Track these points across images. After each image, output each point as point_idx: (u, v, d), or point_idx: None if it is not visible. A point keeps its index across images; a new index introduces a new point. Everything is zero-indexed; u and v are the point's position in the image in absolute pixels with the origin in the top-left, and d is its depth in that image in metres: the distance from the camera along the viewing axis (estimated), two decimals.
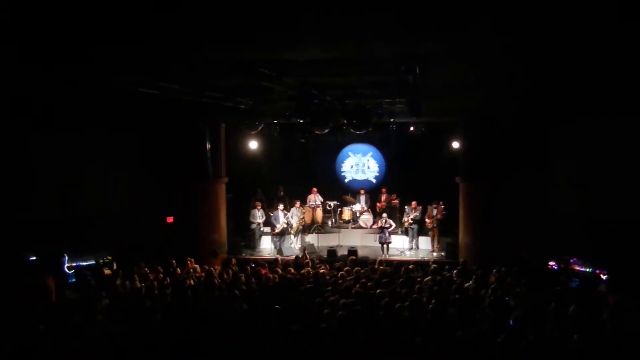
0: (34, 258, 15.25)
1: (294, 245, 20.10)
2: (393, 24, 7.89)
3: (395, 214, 20.98)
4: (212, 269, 15.13)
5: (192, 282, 14.13)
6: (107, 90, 12.20)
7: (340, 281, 13.32)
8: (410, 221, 19.79)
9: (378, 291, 12.14)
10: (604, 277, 13.80)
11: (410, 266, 14.86)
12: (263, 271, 14.59)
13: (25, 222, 14.82)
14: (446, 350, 8.86)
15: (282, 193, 21.90)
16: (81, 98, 13.73)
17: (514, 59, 10.60)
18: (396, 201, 21.26)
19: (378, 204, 21.73)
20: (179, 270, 14.77)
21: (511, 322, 10.95)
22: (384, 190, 22.04)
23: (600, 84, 12.48)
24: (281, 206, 20.20)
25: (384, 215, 19.66)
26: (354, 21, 7.74)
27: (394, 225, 19.68)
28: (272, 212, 20.19)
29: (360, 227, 21.58)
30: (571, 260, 14.71)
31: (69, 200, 16.21)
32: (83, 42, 8.62)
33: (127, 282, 13.39)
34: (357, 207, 21.82)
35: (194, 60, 10.18)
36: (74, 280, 15.06)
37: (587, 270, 14.36)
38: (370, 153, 23.98)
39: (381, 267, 15.08)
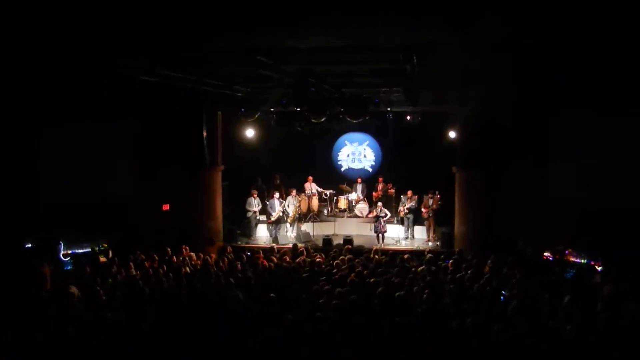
0: (30, 245, 15.27)
1: (289, 234, 20.09)
2: (393, 14, 7.92)
3: (392, 203, 20.92)
4: (208, 257, 15.17)
5: (187, 269, 14.16)
6: (105, 79, 12.20)
7: (335, 270, 13.35)
8: (406, 210, 19.75)
9: (372, 280, 12.18)
10: (599, 268, 13.84)
11: (406, 256, 14.89)
12: (259, 259, 14.62)
13: (23, 209, 14.84)
14: (441, 339, 8.90)
15: (278, 181, 21.86)
16: (79, 87, 13.73)
17: (513, 55, 10.67)
18: (392, 190, 21.22)
19: (374, 193, 21.71)
20: (174, 258, 14.78)
21: (502, 299, 11.05)
22: (380, 179, 22.03)
23: (601, 77, 12.62)
24: (277, 194, 20.20)
25: (379, 204, 19.66)
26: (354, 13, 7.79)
27: (389, 214, 19.65)
28: (268, 201, 20.19)
29: (356, 216, 21.55)
30: (566, 251, 14.75)
31: (66, 189, 16.20)
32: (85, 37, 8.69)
33: (122, 270, 13.41)
34: (353, 196, 21.81)
35: (192, 49, 10.19)
36: (69, 267, 15.12)
37: (582, 261, 14.41)
38: (367, 142, 23.94)
39: (376, 256, 15.12)
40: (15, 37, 8.60)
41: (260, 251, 16.06)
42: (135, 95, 14.57)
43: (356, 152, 24.17)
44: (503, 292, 11.64)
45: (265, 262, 14.45)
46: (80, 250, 15.84)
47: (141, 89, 13.17)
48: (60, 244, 15.58)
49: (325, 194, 21.95)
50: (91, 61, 10.16)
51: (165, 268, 13.83)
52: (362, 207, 21.44)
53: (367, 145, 23.97)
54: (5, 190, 14.49)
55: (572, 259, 14.59)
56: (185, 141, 18.05)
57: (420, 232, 20.23)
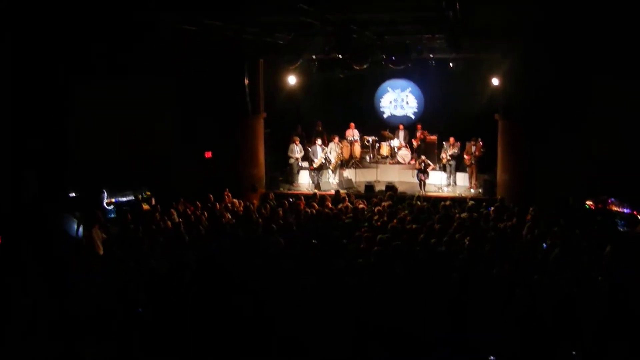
0: (74, 194, 15.57)
1: (331, 181, 20.19)
2: None
3: (433, 149, 20.86)
4: (250, 204, 15.33)
5: (229, 216, 14.34)
6: (147, 31, 12.26)
7: (376, 217, 13.42)
8: (448, 157, 19.67)
9: (414, 227, 12.24)
10: None
11: (448, 202, 14.87)
12: (301, 206, 14.73)
13: (69, 162, 15.16)
14: (481, 286, 8.96)
15: (320, 128, 21.85)
16: (121, 42, 13.84)
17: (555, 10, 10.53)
18: (433, 137, 21.09)
19: (413, 140, 21.58)
20: (217, 205, 14.97)
21: (545, 246, 11.03)
22: (419, 126, 21.82)
23: None
24: (319, 141, 20.21)
25: (422, 157, 19.56)
26: None
27: (431, 165, 19.58)
28: (310, 147, 20.25)
29: (399, 163, 21.51)
30: (609, 200, 14.62)
31: (112, 143, 16.49)
32: None
33: (165, 217, 13.64)
34: (395, 142, 21.70)
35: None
36: (113, 215, 15.43)
37: (625, 210, 14.28)
38: (409, 89, 23.68)
39: (418, 202, 15.13)
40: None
41: (302, 197, 16.15)
42: (176, 44, 14.64)
43: (399, 99, 23.96)
44: (548, 240, 11.62)
45: (307, 209, 14.57)
46: (124, 199, 16.14)
47: (181, 38, 13.21)
48: (104, 193, 15.88)
49: (368, 141, 21.94)
50: (127, 10, 10.19)
51: (207, 215, 14.05)
52: (404, 154, 21.34)
53: (410, 92, 23.70)
54: (49, 144, 14.75)
55: (615, 208, 14.46)
56: (227, 89, 18.11)
57: (462, 179, 20.16)
